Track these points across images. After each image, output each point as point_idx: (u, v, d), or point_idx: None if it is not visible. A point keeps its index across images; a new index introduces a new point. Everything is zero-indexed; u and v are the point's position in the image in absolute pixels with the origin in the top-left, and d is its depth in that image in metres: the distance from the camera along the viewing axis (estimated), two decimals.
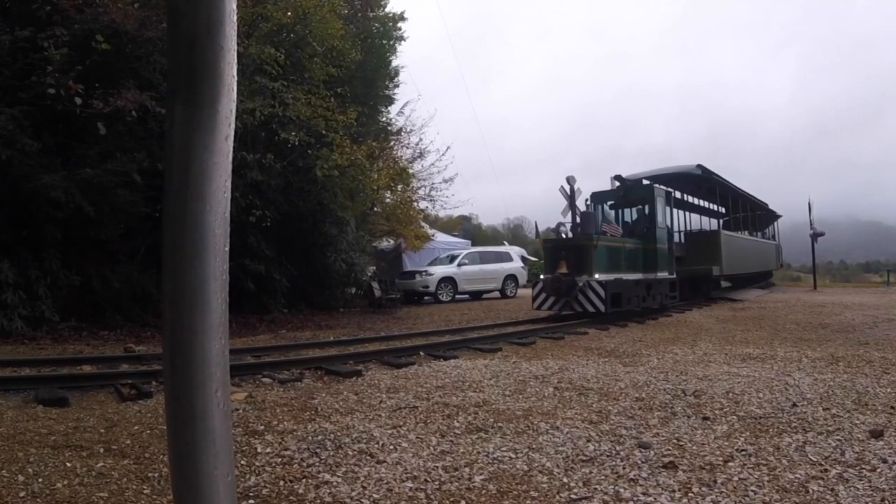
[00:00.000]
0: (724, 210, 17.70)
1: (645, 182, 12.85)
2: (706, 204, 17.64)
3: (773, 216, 24.52)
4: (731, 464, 2.69)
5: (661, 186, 12.24)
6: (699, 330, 8.68)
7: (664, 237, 11.71)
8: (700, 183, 15.23)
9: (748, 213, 19.26)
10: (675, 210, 15.22)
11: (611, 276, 9.99)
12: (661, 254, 11.41)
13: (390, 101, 16.91)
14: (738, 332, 8.24)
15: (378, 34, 15.22)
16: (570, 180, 11.19)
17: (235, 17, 0.80)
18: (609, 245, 10.39)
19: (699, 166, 14.13)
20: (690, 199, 17.45)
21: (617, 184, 12.67)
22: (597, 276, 9.70)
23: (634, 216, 12.48)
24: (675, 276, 11.98)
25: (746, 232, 18.92)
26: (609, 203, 12.69)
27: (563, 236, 10.74)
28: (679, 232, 15.93)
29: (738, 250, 15.93)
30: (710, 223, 17.88)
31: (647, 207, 11.94)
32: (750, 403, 3.87)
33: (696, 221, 18.31)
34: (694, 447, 2.95)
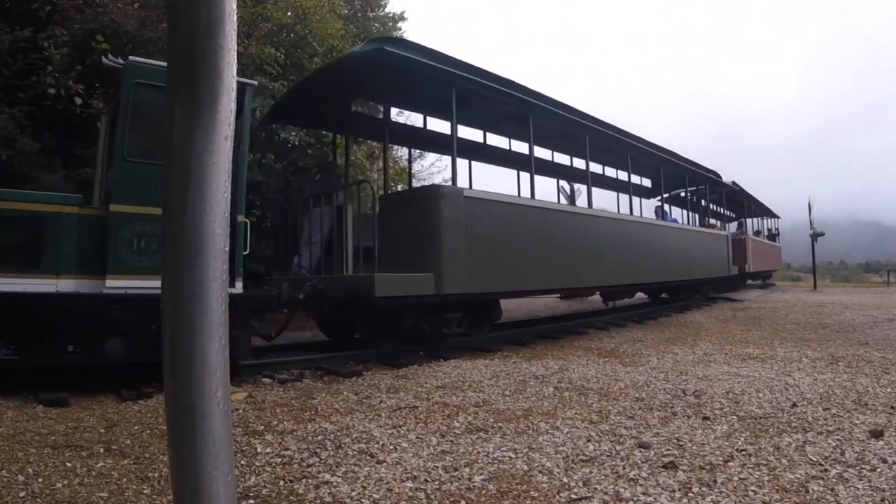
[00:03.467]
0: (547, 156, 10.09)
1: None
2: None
3: (728, 192, 16.09)
4: (731, 464, 2.68)
5: (149, 62, 4.94)
6: (699, 330, 8.68)
7: (141, 183, 4.51)
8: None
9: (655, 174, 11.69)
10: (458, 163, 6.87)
11: None
12: (121, 229, 4.46)
13: None
14: (738, 332, 8.25)
15: (378, 34, 15.23)
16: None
17: (235, 17, 0.80)
18: None
19: (379, 40, 6.83)
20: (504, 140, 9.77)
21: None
22: None
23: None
24: (238, 291, 4.92)
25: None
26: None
27: None
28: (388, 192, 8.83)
29: (531, 240, 7.37)
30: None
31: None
32: (750, 403, 3.87)
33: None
34: (694, 447, 2.95)
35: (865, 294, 18.63)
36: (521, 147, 9.69)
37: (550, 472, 2.63)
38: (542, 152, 10.55)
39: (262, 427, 3.44)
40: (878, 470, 2.56)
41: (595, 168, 11.38)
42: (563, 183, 10.91)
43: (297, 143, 10.70)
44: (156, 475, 2.61)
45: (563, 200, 10.52)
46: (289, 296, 5.83)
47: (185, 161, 0.78)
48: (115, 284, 4.46)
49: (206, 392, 0.76)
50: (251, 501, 2.35)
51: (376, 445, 3.04)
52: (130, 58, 5.02)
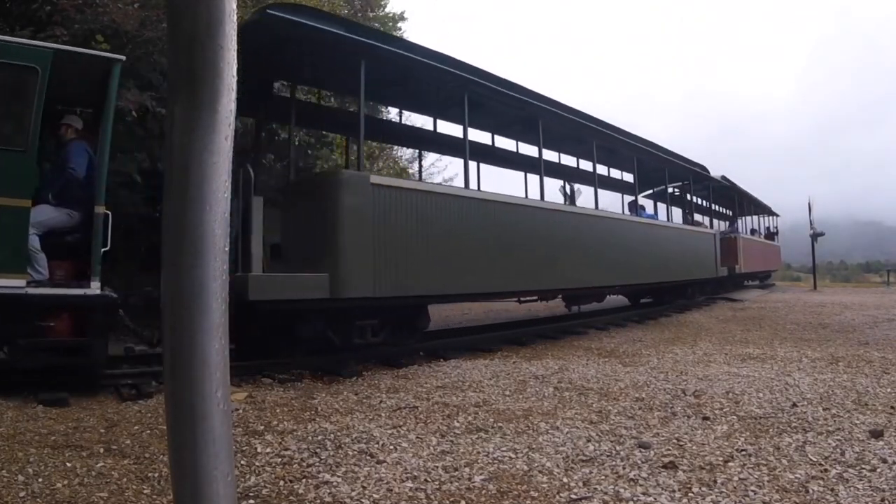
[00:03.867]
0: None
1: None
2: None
3: (717, 187, 15.22)
4: (731, 464, 2.68)
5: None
6: (699, 330, 8.68)
7: None
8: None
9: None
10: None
11: None
12: None
13: None
14: (739, 332, 8.24)
15: None
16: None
17: (235, 17, 0.80)
18: None
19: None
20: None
21: None
22: None
23: None
24: (94, 292, 4.35)
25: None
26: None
27: None
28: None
29: (467, 237, 6.38)
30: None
31: None
32: (750, 403, 3.87)
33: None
34: (694, 447, 2.95)
35: (865, 294, 18.63)
36: (481, 136, 8.78)
37: (550, 472, 2.63)
38: (506, 143, 9.75)
39: (262, 427, 3.44)
40: (878, 470, 2.56)
41: (570, 161, 10.78)
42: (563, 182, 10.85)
43: (297, 143, 10.70)
44: (156, 475, 2.61)
45: (563, 200, 10.36)
46: None
47: (185, 161, 0.77)
48: None
49: (206, 392, 0.76)
50: (251, 501, 2.35)
51: (376, 445, 3.04)
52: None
